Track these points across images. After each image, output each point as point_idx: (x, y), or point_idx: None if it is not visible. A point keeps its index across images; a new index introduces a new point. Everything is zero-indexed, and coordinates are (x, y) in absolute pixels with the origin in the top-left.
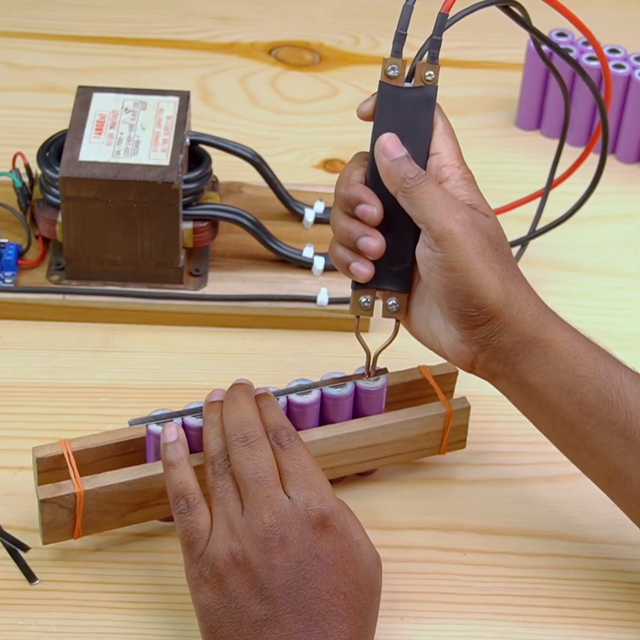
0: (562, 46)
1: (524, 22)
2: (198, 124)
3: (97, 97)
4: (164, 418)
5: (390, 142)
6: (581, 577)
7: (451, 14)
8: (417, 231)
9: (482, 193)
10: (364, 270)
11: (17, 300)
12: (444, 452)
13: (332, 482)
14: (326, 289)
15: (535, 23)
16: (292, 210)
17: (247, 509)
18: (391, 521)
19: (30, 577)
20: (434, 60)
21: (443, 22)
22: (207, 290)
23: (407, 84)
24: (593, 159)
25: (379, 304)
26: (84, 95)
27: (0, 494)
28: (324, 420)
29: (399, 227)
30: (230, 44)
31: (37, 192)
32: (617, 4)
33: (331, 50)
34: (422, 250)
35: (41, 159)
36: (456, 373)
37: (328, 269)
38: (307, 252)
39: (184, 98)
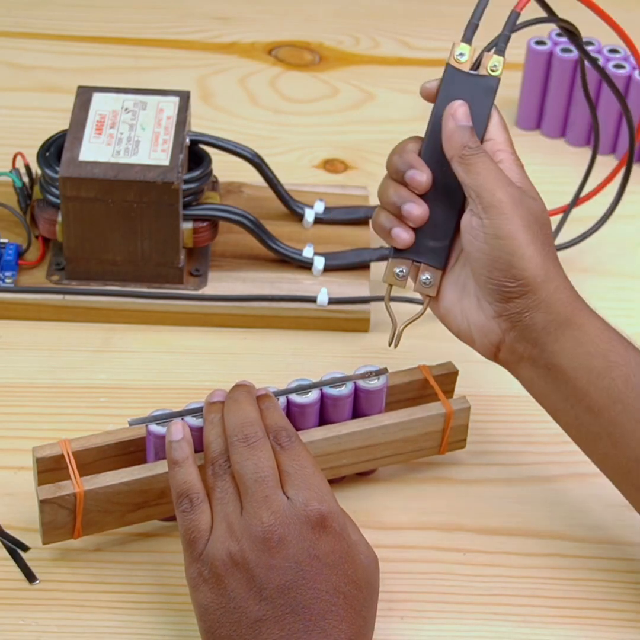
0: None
1: (580, 45)
2: (198, 124)
3: (97, 97)
4: (164, 418)
5: (461, 108)
6: (581, 577)
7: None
8: (461, 210)
9: (530, 181)
10: (405, 235)
11: (17, 300)
12: (444, 452)
13: (332, 482)
14: (326, 289)
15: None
16: (292, 210)
17: (246, 510)
18: (391, 521)
19: (30, 577)
20: (500, 52)
21: (515, 19)
22: (207, 290)
23: (471, 72)
24: (597, 158)
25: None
26: (84, 95)
27: (0, 494)
28: (324, 420)
29: (444, 203)
30: (230, 44)
31: (37, 192)
32: (617, 4)
33: (331, 50)
34: (469, 220)
35: (41, 159)
36: (456, 373)
37: (328, 269)
38: (307, 252)
39: (184, 98)
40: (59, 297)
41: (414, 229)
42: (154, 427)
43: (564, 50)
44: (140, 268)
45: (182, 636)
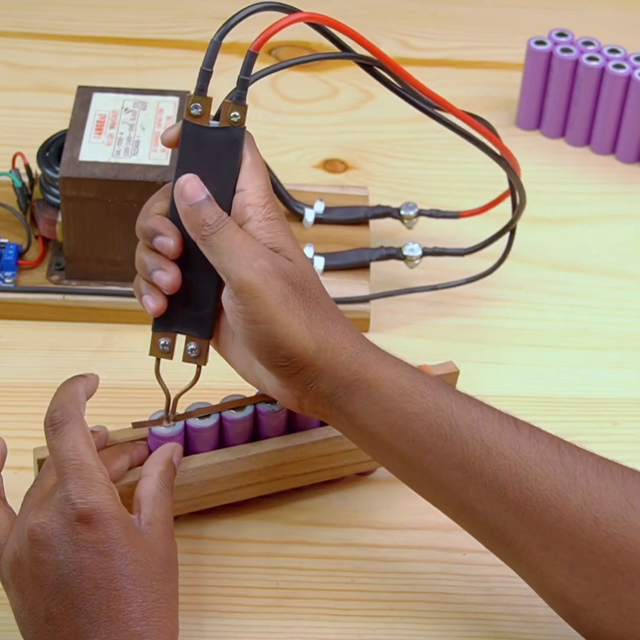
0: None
1: (389, 81)
2: None
3: (97, 97)
4: (167, 420)
5: (189, 184)
6: None
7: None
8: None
9: (290, 232)
10: (153, 304)
11: (17, 300)
12: None
13: (333, 482)
14: (326, 288)
15: (534, 21)
16: (292, 210)
17: (21, 511)
18: (391, 521)
19: None
20: (240, 100)
21: (252, 61)
22: None
23: (214, 123)
24: (596, 159)
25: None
26: (84, 95)
27: None
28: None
29: (202, 269)
30: (230, 44)
31: (37, 192)
32: (617, 4)
33: (331, 50)
34: (226, 302)
35: (41, 159)
36: (457, 373)
37: (328, 269)
38: (307, 252)
39: (184, 98)
40: (59, 297)
41: (172, 297)
42: (157, 429)
43: (564, 50)
44: None
45: (182, 636)
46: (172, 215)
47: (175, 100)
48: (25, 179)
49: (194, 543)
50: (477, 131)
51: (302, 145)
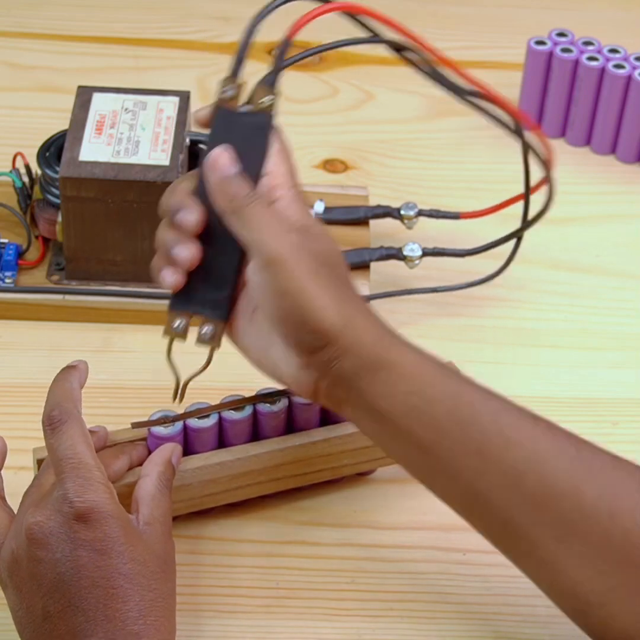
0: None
1: (420, 67)
2: None
3: (97, 97)
4: (165, 420)
5: (222, 157)
6: None
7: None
8: (241, 257)
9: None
10: (171, 279)
11: (17, 300)
12: None
13: (333, 482)
14: None
15: (534, 21)
16: None
17: (20, 510)
18: (391, 521)
19: None
20: (271, 86)
21: (286, 48)
22: None
23: (245, 108)
24: (596, 159)
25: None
26: (84, 95)
27: None
28: (325, 420)
29: (224, 249)
30: (230, 44)
31: (37, 192)
32: (617, 4)
33: (331, 50)
34: (254, 276)
35: (41, 159)
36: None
37: None
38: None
39: (184, 98)
40: (59, 297)
41: (190, 277)
42: (156, 429)
43: (564, 50)
44: (140, 268)
45: (181, 636)
46: (200, 196)
47: (175, 100)
48: (25, 179)
49: (193, 543)
50: (515, 120)
51: (302, 145)
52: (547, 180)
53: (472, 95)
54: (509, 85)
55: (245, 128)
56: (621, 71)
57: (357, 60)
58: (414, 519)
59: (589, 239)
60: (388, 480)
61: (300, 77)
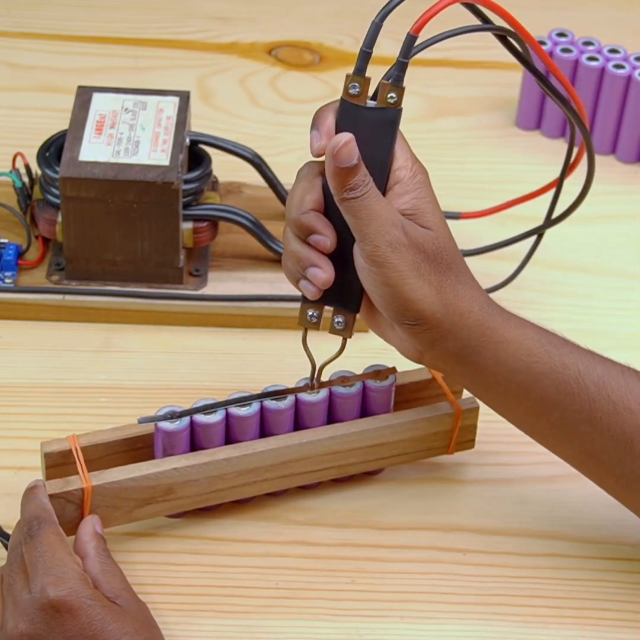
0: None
1: (522, 55)
2: (198, 124)
3: (97, 97)
4: (173, 416)
5: (345, 147)
6: (581, 577)
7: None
8: None
9: (433, 197)
10: (313, 288)
11: (17, 300)
12: (452, 452)
13: (335, 481)
14: None
15: (534, 21)
16: None
17: (5, 619)
18: (391, 521)
19: None
20: (397, 82)
21: (411, 44)
22: (207, 290)
23: (371, 103)
24: (596, 159)
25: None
26: (84, 95)
27: (0, 494)
28: (332, 419)
29: (353, 247)
30: (230, 44)
31: (37, 192)
32: (617, 4)
33: (331, 50)
34: (358, 260)
35: (41, 159)
36: None
37: None
38: None
39: (184, 98)
40: (59, 297)
41: None
42: (163, 424)
43: (564, 50)
44: (140, 268)
45: (182, 636)
46: (326, 200)
47: (175, 100)
48: (25, 179)
49: (194, 543)
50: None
51: (302, 145)
52: (588, 186)
53: (553, 92)
54: (509, 85)
55: (371, 123)
56: (621, 71)
57: (355, 61)
58: (414, 519)
59: (589, 239)
60: (388, 481)
61: (300, 77)
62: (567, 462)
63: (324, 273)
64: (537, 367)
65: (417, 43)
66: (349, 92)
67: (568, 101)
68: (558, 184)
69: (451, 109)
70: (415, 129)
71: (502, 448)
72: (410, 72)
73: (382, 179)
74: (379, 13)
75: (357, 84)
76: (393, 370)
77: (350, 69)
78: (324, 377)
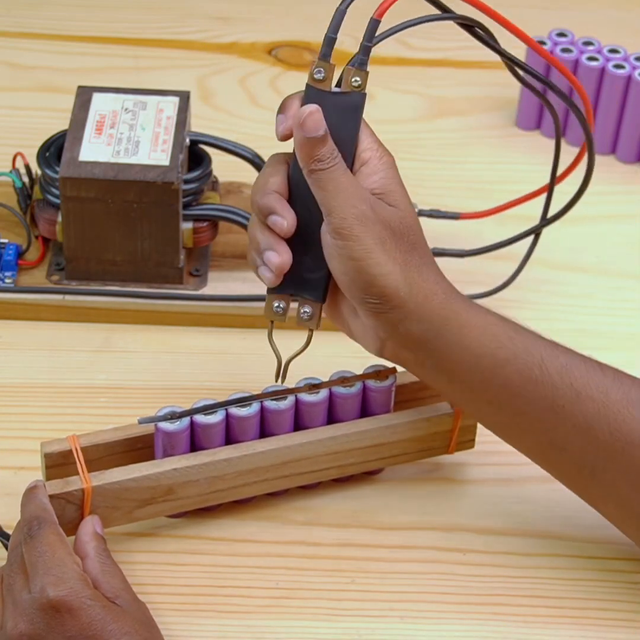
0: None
1: (489, 42)
2: (198, 124)
3: (97, 97)
4: (173, 416)
5: (311, 117)
6: (581, 577)
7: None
8: None
9: (399, 180)
10: (270, 275)
11: (17, 300)
12: (453, 451)
13: (335, 481)
14: None
15: (534, 21)
16: None
17: (5, 619)
18: (391, 521)
19: None
20: (362, 66)
21: (375, 28)
22: (207, 290)
23: (336, 89)
24: (596, 158)
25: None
26: (84, 95)
27: (0, 494)
28: (332, 419)
29: (317, 234)
30: (230, 44)
31: (37, 192)
32: (617, 4)
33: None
34: (324, 236)
35: (41, 159)
36: None
37: None
38: None
39: (184, 98)
40: (59, 297)
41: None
42: (163, 424)
43: (564, 50)
44: (140, 268)
45: (182, 636)
46: (290, 184)
47: (175, 100)
48: (25, 179)
49: (194, 543)
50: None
51: None
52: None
53: (533, 76)
54: (508, 85)
55: (336, 108)
56: (621, 71)
57: None
58: (414, 519)
59: (589, 239)
60: (388, 481)
61: (300, 77)
62: (529, 455)
63: (278, 256)
64: (501, 353)
65: (379, 32)
66: (314, 77)
67: (547, 90)
68: (550, 181)
69: (451, 109)
70: (415, 129)
71: (502, 448)
72: (410, 72)
73: (348, 163)
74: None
75: (322, 69)
76: (393, 370)
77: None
78: (290, 376)
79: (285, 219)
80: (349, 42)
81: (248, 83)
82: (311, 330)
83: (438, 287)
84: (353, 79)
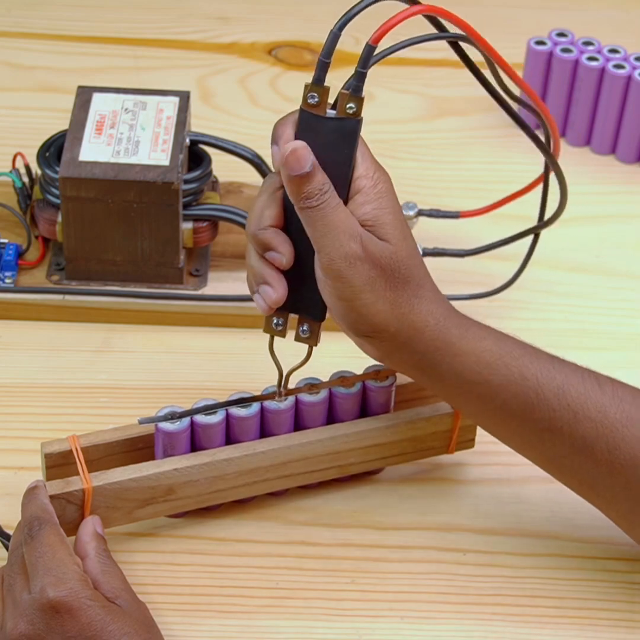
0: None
1: (471, 62)
2: (198, 124)
3: (97, 97)
4: (173, 417)
5: (292, 155)
6: (581, 577)
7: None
8: None
9: (396, 207)
10: (264, 305)
11: (17, 300)
12: (453, 451)
13: (336, 480)
14: None
15: (534, 21)
16: None
17: (5, 620)
18: (391, 521)
19: None
20: (357, 92)
21: (370, 54)
22: (207, 290)
23: (331, 113)
24: (596, 159)
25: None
26: (84, 95)
27: (0, 494)
28: (332, 418)
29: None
30: (230, 44)
31: (37, 192)
32: (617, 4)
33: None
34: (317, 271)
35: (41, 159)
36: None
37: None
38: None
39: (184, 98)
40: (59, 297)
41: (286, 279)
42: (163, 425)
43: (564, 50)
44: (140, 268)
45: (182, 636)
46: (286, 220)
47: (175, 100)
48: (25, 179)
49: (194, 543)
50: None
51: None
52: (563, 193)
53: (515, 101)
54: (509, 86)
55: (331, 133)
56: (621, 71)
57: (357, 61)
58: (414, 519)
59: (589, 239)
60: (388, 481)
61: (300, 77)
62: (533, 462)
63: (274, 293)
64: (495, 380)
65: (376, 53)
66: (308, 102)
67: (533, 104)
68: (543, 181)
69: (451, 109)
70: (415, 129)
71: (502, 448)
72: (410, 72)
73: (344, 189)
74: (337, 22)
75: (315, 94)
76: (393, 370)
77: (350, 70)
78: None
79: (283, 255)
80: (349, 42)
81: (248, 83)
82: (311, 346)
83: (430, 318)
84: (348, 105)
